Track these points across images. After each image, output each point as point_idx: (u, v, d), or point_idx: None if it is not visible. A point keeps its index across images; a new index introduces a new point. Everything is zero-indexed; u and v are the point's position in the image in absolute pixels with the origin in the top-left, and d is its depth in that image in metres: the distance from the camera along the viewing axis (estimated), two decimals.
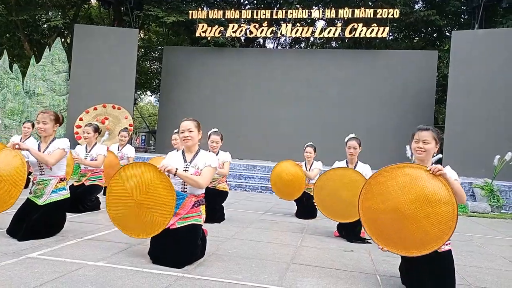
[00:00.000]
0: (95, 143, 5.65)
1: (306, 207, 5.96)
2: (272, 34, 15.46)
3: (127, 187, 3.14)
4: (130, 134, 11.43)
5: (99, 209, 5.50)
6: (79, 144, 6.76)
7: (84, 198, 5.35)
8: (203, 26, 14.42)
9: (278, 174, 6.12)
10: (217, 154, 5.19)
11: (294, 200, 6.27)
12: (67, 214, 4.08)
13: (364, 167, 4.71)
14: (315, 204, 4.77)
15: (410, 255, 2.65)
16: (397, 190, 2.68)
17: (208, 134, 5.20)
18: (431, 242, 2.56)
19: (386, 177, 2.76)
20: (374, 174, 2.84)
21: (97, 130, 5.71)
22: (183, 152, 3.40)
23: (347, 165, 4.81)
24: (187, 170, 3.24)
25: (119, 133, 7.46)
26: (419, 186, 2.62)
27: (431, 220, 2.56)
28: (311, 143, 6.27)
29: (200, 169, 3.24)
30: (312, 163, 6.17)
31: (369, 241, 4.46)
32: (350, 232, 4.51)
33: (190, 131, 3.29)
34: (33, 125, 7.02)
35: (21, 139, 6.93)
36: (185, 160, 3.33)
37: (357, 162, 4.80)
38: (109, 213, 3.25)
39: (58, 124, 3.92)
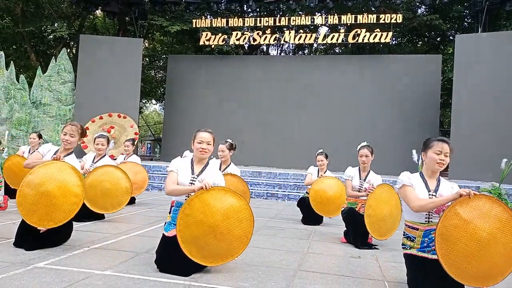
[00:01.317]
0: (105, 155, 5.68)
1: (312, 213, 5.94)
2: (276, 41, 15.55)
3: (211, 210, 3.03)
4: (136, 142, 11.48)
5: (104, 217, 5.51)
6: (89, 152, 6.83)
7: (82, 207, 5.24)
8: (206, 34, 14.53)
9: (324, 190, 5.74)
10: (228, 165, 5.20)
11: (299, 207, 6.26)
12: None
13: (375, 178, 4.67)
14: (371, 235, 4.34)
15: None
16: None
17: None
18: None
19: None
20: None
21: (109, 141, 5.76)
22: (192, 162, 3.38)
23: (360, 173, 4.77)
24: (193, 183, 3.23)
25: (124, 142, 7.52)
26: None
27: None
28: (322, 150, 6.21)
29: None
30: (326, 171, 6.13)
31: (376, 247, 4.44)
32: (357, 238, 4.48)
33: (209, 144, 3.30)
34: (39, 136, 7.05)
35: (29, 150, 6.98)
36: (192, 172, 3.31)
37: (369, 171, 4.76)
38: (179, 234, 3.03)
39: (82, 138, 3.96)
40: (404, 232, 2.97)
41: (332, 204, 5.63)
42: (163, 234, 3.21)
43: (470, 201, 2.60)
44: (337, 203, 5.54)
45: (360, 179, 4.73)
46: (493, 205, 2.61)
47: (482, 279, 2.59)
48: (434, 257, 2.69)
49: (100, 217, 5.45)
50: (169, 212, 3.30)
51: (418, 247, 2.82)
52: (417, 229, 2.85)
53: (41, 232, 3.50)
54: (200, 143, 3.28)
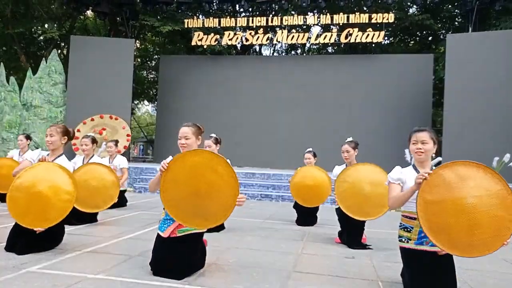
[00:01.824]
0: (93, 155, 5.64)
1: (306, 214, 5.94)
2: (268, 41, 15.54)
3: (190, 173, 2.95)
4: (126, 144, 11.40)
5: (96, 221, 5.46)
6: (77, 154, 6.76)
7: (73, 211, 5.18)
8: (199, 34, 14.50)
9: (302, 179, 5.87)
10: None
11: (295, 208, 6.26)
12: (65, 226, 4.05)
13: None
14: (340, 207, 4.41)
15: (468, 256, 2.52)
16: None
17: None
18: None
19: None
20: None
21: (94, 141, 5.70)
22: None
23: None
24: None
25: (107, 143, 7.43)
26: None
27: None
28: (310, 149, 6.26)
29: None
30: None
31: (370, 247, 4.45)
32: (351, 238, 4.48)
33: (187, 138, 3.24)
34: (27, 138, 6.96)
35: (19, 153, 6.90)
36: None
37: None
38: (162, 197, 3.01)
39: (66, 137, 3.94)
40: (400, 223, 2.91)
41: (317, 189, 5.70)
42: (158, 234, 3.16)
43: (430, 182, 2.51)
44: (321, 187, 5.67)
45: None
46: (453, 168, 2.53)
47: (497, 236, 2.49)
48: (434, 249, 2.63)
49: (93, 220, 5.40)
50: (163, 208, 3.25)
51: (416, 239, 2.76)
52: (415, 219, 2.76)
53: (37, 232, 3.48)
54: (179, 139, 3.27)
